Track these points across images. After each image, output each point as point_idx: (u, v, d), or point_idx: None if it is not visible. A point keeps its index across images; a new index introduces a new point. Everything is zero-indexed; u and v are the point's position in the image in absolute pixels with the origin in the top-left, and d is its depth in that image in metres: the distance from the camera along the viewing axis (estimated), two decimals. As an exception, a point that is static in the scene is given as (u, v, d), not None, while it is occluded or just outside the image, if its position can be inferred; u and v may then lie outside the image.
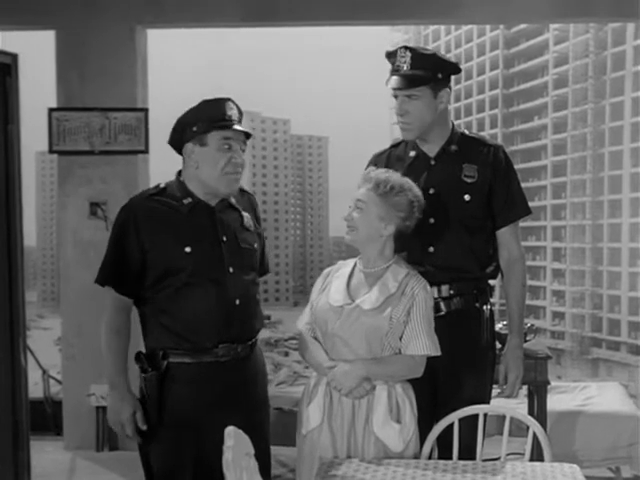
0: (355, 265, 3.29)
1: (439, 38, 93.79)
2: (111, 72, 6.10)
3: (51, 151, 6.17)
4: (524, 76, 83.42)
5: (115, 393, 3.27)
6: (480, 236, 3.62)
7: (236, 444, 2.68)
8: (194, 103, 3.28)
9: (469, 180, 3.59)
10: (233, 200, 3.39)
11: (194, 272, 3.22)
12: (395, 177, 3.23)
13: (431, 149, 3.64)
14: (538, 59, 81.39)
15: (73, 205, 6.16)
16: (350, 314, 3.17)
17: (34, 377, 5.82)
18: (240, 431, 2.75)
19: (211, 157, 3.22)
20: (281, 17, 6.16)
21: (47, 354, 9.29)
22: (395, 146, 3.76)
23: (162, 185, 3.35)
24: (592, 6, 5.97)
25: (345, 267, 3.31)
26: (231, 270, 3.28)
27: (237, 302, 3.28)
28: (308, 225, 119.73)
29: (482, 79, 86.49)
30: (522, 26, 76.44)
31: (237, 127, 3.25)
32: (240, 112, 3.31)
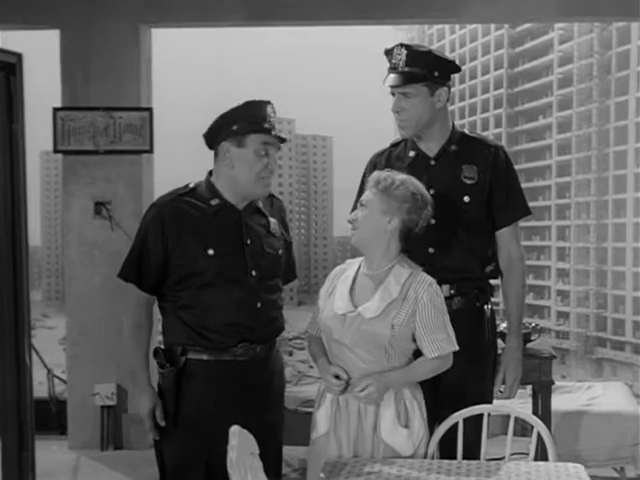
0: (359, 268, 3.24)
1: (444, 37, 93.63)
2: (116, 72, 6.11)
3: (56, 151, 6.18)
4: (528, 75, 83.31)
5: (136, 387, 3.31)
6: (480, 236, 3.62)
7: (240, 443, 2.69)
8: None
9: (469, 181, 3.58)
10: (260, 205, 3.40)
11: (216, 274, 3.24)
12: (396, 174, 3.20)
13: (431, 149, 3.63)
14: (543, 58, 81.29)
15: (78, 205, 6.17)
16: (352, 323, 3.13)
17: (39, 376, 5.81)
18: (245, 430, 2.75)
19: (248, 160, 3.23)
20: (285, 17, 6.17)
21: (52, 353, 9.32)
22: (395, 145, 3.75)
23: (192, 185, 3.35)
24: (597, 5, 5.96)
25: (350, 268, 3.27)
26: (254, 274, 3.29)
27: (259, 305, 3.30)
28: (313, 225, 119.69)
29: (486, 78, 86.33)
30: (527, 25, 76.27)
31: (276, 133, 3.26)
32: (274, 109, 3.33)
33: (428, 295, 3.13)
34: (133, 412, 3.36)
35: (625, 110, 69.31)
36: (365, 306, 3.13)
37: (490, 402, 3.59)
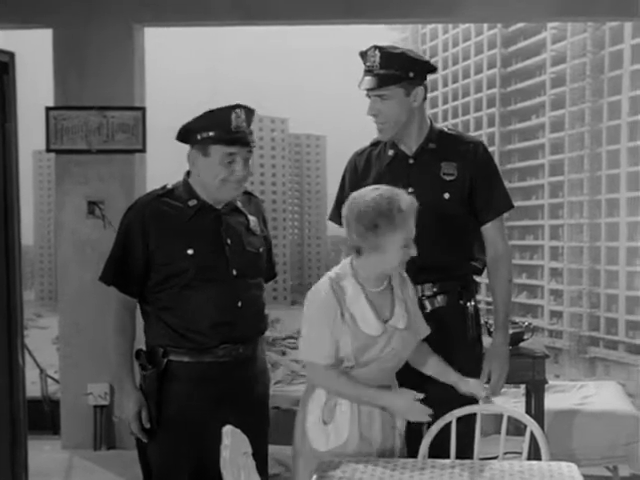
0: (360, 286, 3.15)
1: (437, 37, 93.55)
2: (109, 71, 6.10)
3: (48, 150, 6.17)
4: (522, 75, 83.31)
5: (122, 391, 3.30)
6: (462, 233, 3.65)
7: (233, 443, 2.69)
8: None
9: (448, 178, 3.60)
10: (239, 204, 3.39)
11: (196, 274, 3.23)
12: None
13: (409, 148, 3.65)
14: (536, 58, 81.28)
15: (70, 204, 6.16)
16: (391, 337, 3.14)
17: (32, 376, 5.79)
18: (238, 430, 2.75)
19: (212, 169, 3.22)
20: (279, 16, 6.17)
21: (45, 353, 9.30)
22: (374, 145, 3.76)
23: (169, 186, 3.35)
24: (590, 5, 5.97)
25: (348, 289, 3.13)
26: (235, 273, 3.28)
27: (239, 304, 3.29)
28: (306, 224, 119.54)
29: (479, 78, 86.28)
30: (520, 25, 76.16)
31: (244, 139, 3.22)
32: (249, 114, 3.26)
33: (412, 287, 3.31)
34: (119, 415, 3.34)
35: (618, 109, 69.40)
36: (396, 319, 3.17)
37: (477, 401, 3.59)
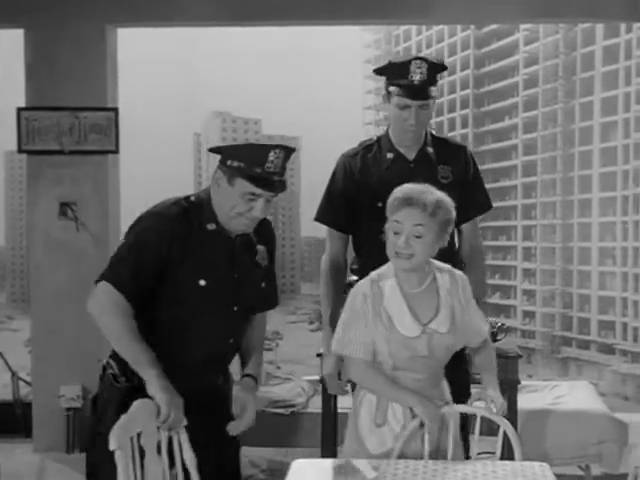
0: (399, 287, 3.19)
1: (410, 38, 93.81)
2: (81, 72, 6.07)
3: (20, 151, 6.13)
4: (494, 76, 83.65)
5: (164, 382, 2.97)
6: (453, 232, 3.77)
7: (132, 421, 2.72)
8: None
9: (445, 181, 3.72)
10: (251, 232, 3.25)
11: (200, 305, 3.11)
12: (435, 194, 3.14)
13: (409, 151, 3.77)
14: (508, 59, 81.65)
15: (43, 205, 6.12)
16: (430, 339, 3.16)
17: (3, 379, 5.76)
18: (143, 402, 2.81)
19: (231, 199, 3.09)
20: (253, 17, 6.15)
21: (16, 356, 9.22)
22: (367, 147, 3.81)
23: (193, 199, 3.17)
24: (562, 7, 6.00)
25: (386, 288, 3.18)
26: (235, 309, 3.20)
27: (230, 341, 3.23)
28: (280, 225, 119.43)
29: (453, 79, 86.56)
30: (493, 26, 76.58)
31: (268, 182, 3.08)
32: (288, 154, 3.14)
33: (464, 283, 3.30)
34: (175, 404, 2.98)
35: (590, 111, 69.87)
36: (437, 323, 3.18)
37: (469, 390, 3.67)
